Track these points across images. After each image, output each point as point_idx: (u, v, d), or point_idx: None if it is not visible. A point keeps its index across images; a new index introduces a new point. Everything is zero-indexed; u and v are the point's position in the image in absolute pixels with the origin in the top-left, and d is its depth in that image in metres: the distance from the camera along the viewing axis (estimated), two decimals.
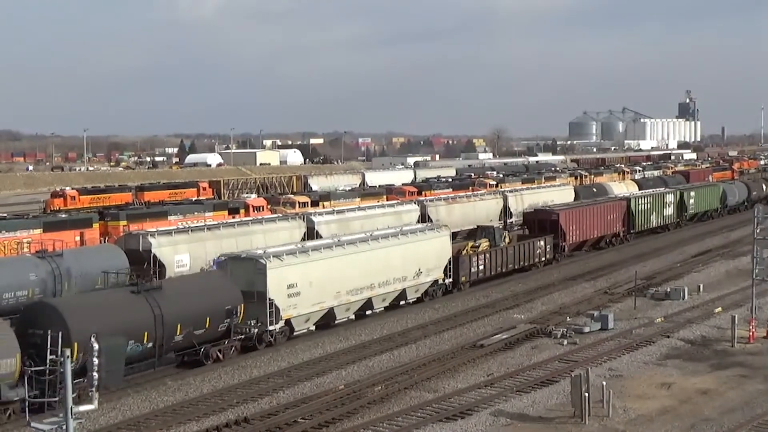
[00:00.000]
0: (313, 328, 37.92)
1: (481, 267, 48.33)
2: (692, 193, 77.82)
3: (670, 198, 72.66)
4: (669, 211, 71.94)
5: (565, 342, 35.92)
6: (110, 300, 30.63)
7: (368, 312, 40.86)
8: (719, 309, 41.10)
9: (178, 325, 31.28)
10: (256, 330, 34.58)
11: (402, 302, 43.25)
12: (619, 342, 35.63)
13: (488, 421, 26.09)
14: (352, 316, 39.98)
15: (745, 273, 46.73)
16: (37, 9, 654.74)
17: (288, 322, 36.12)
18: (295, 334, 36.72)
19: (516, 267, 51.50)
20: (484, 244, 50.68)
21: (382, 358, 33.92)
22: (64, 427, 15.76)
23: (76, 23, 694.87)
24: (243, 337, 34.34)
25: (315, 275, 37.00)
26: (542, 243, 53.94)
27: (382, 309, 41.82)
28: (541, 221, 57.04)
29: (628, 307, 42.48)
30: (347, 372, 31.97)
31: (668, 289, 45.27)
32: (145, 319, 30.09)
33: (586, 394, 25.94)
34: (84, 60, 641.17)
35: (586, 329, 37.54)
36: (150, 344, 30.22)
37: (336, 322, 39.05)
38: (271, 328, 35.19)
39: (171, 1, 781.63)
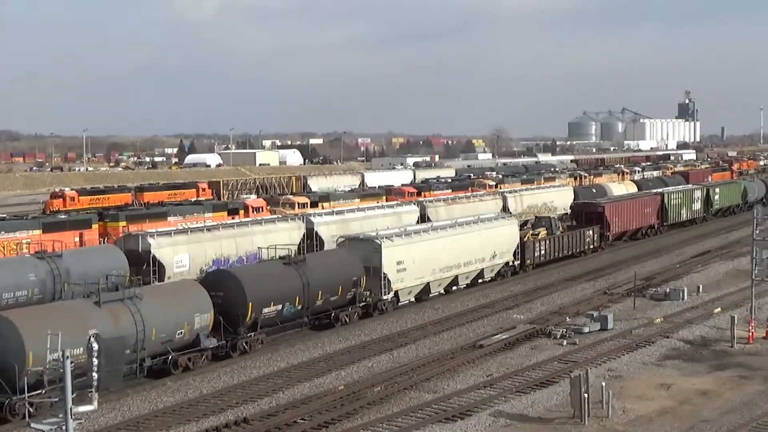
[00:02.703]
0: (413, 299, 43.66)
1: (543, 252, 54.59)
2: (717, 190, 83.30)
3: (698, 194, 78.62)
4: (697, 206, 77.58)
5: (565, 342, 35.95)
6: (270, 270, 36.82)
7: (454, 288, 46.58)
8: (718, 309, 41.11)
9: (319, 292, 37.42)
10: (370, 300, 40.26)
11: (480, 281, 48.80)
12: (618, 342, 35.65)
13: (488, 421, 26.11)
14: (442, 291, 45.77)
15: (744, 273, 46.76)
16: (37, 9, 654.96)
17: (396, 293, 41.95)
18: (399, 304, 42.39)
19: (569, 253, 57.45)
20: (542, 232, 56.26)
21: (381, 358, 33.94)
22: (63, 427, 15.75)
23: (76, 23, 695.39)
24: (364, 304, 40.00)
25: (417, 254, 43.04)
26: (590, 232, 60.23)
27: (464, 286, 47.40)
28: (588, 213, 63.52)
29: (628, 308, 42.50)
30: (347, 372, 31.98)
31: (667, 290, 45.30)
32: (296, 286, 36.32)
33: (586, 395, 25.97)
34: (83, 60, 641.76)
35: (586, 329, 37.56)
36: (300, 307, 36.53)
37: (430, 295, 44.76)
38: (384, 298, 41.08)
39: (171, 0, 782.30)
